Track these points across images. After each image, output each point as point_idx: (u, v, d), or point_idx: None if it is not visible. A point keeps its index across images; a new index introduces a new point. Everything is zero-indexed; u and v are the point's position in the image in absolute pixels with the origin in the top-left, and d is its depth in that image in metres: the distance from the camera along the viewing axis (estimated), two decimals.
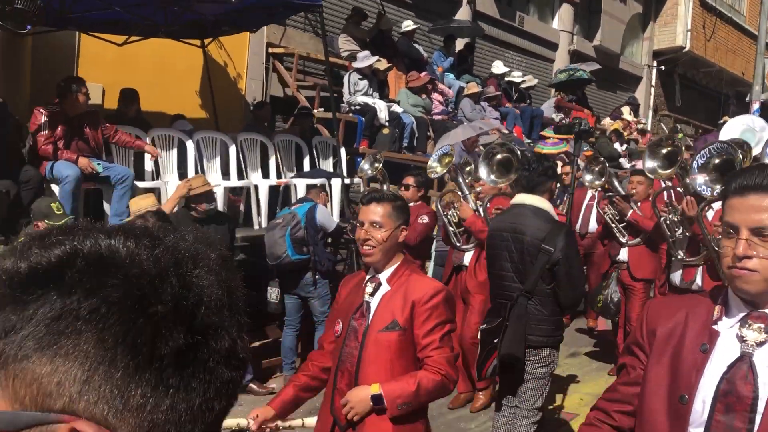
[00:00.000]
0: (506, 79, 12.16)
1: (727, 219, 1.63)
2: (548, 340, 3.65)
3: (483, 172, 5.26)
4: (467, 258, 5.54)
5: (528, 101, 12.40)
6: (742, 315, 1.63)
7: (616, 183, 6.44)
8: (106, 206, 5.78)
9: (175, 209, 5.27)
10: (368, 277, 2.75)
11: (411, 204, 5.31)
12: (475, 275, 5.34)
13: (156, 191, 6.03)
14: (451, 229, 5.55)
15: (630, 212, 5.95)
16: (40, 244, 0.61)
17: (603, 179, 6.43)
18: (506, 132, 10.32)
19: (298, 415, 2.88)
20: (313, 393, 2.86)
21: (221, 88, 8.56)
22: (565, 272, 3.47)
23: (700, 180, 4.06)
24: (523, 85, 12.20)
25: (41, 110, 5.41)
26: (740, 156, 4.00)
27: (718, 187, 3.85)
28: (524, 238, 3.50)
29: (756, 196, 1.57)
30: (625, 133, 13.80)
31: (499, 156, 5.17)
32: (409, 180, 6.16)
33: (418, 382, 2.51)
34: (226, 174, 6.89)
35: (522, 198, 3.65)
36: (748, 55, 20.77)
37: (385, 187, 6.07)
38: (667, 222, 4.99)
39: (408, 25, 10.62)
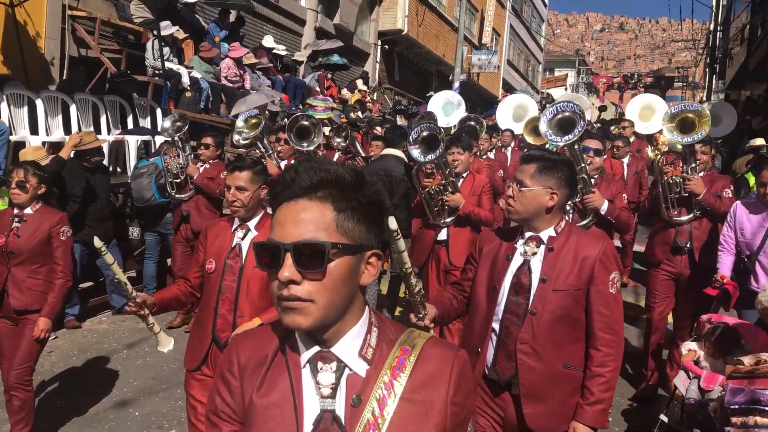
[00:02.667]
0: (273, 51, 13.77)
1: (516, 176, 2.77)
2: None
3: (290, 137, 6.33)
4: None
5: (294, 73, 14.17)
6: (528, 236, 2.70)
7: (357, 146, 7.88)
8: None
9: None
10: (236, 225, 3.28)
11: (210, 162, 6.42)
12: None
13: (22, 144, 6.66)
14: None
15: None
16: (329, 164, 1.29)
17: (347, 142, 8.17)
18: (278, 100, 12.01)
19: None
20: (184, 305, 3.49)
21: (25, 48, 8.87)
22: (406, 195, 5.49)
23: (415, 152, 4.94)
24: (291, 59, 13.93)
25: None
26: (443, 132, 4.95)
27: (429, 156, 4.84)
28: (392, 174, 5.47)
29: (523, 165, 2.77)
30: (367, 102, 16.38)
31: (305, 122, 6.40)
32: (208, 140, 6.61)
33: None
34: (68, 130, 7.59)
35: (388, 150, 5.62)
36: (447, 40, 25.02)
37: (186, 147, 6.73)
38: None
39: None
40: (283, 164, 6.27)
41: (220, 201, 6.67)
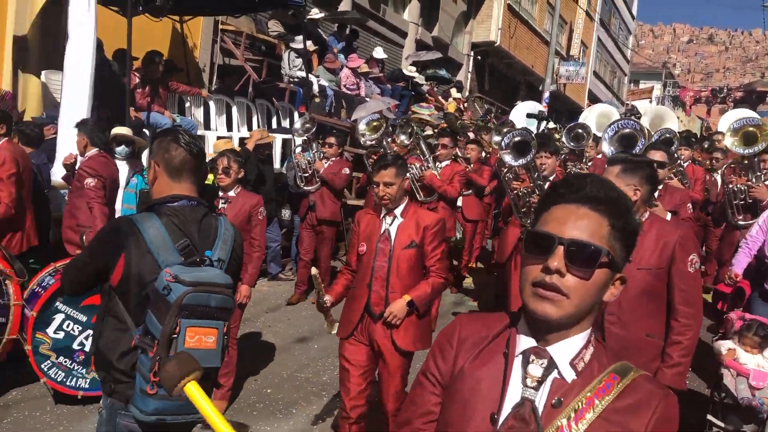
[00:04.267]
0: (375, 58, 15.11)
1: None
2: None
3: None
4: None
5: (406, 82, 15.48)
6: None
7: (423, 146, 7.56)
8: None
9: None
10: (384, 212, 3.78)
11: (333, 159, 7.46)
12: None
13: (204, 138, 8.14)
14: (416, 184, 7.07)
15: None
16: (613, 185, 1.43)
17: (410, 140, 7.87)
18: (394, 106, 13.30)
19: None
20: (348, 293, 3.91)
21: (187, 57, 10.47)
22: None
23: (507, 157, 5.13)
24: (399, 70, 15.25)
25: (136, 74, 7.31)
26: (534, 138, 5.15)
27: (521, 160, 5.04)
28: None
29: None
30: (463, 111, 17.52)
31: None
32: (331, 139, 7.68)
33: (431, 285, 3.72)
34: (229, 128, 9.08)
35: None
36: (537, 51, 25.87)
37: (314, 145, 7.70)
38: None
39: (315, 12, 13.05)
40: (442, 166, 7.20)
41: (342, 192, 7.67)
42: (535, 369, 1.36)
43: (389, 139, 7.84)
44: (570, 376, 1.36)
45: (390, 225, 3.74)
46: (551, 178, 5.36)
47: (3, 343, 4.16)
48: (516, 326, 1.44)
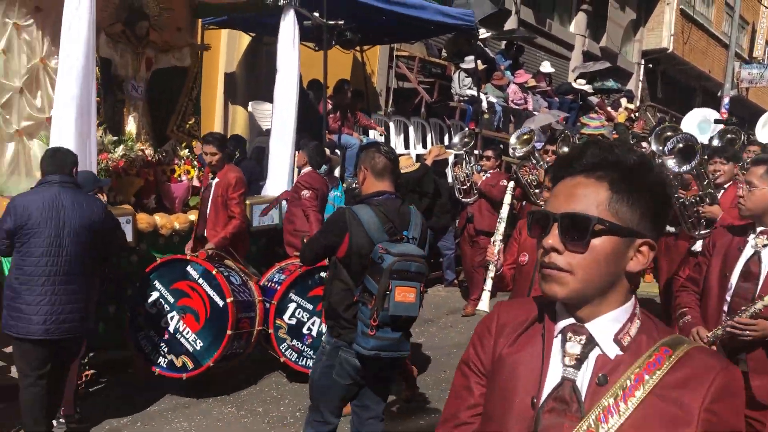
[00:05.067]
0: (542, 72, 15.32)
1: (746, 179, 3.09)
2: None
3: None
4: None
5: (575, 95, 15.58)
6: (759, 230, 2.97)
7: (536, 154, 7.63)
8: None
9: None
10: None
11: (491, 171, 7.61)
12: None
13: None
14: (530, 190, 7.16)
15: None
16: (614, 147, 1.30)
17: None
18: (562, 118, 13.47)
19: None
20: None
21: (367, 83, 11.41)
22: None
23: (670, 162, 4.85)
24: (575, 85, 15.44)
25: (329, 101, 8.22)
26: (699, 143, 4.87)
27: (685, 166, 4.72)
28: None
29: (754, 166, 3.08)
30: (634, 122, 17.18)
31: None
32: (489, 152, 7.88)
33: None
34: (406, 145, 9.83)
35: None
36: (714, 55, 24.54)
37: (471, 158, 8.07)
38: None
39: (483, 32, 13.57)
40: None
41: (500, 204, 7.75)
42: (573, 347, 1.30)
43: (541, 151, 7.83)
44: (614, 351, 1.28)
45: None
46: (726, 186, 5.11)
47: (255, 333, 5.05)
48: (555, 306, 1.37)
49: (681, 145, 4.91)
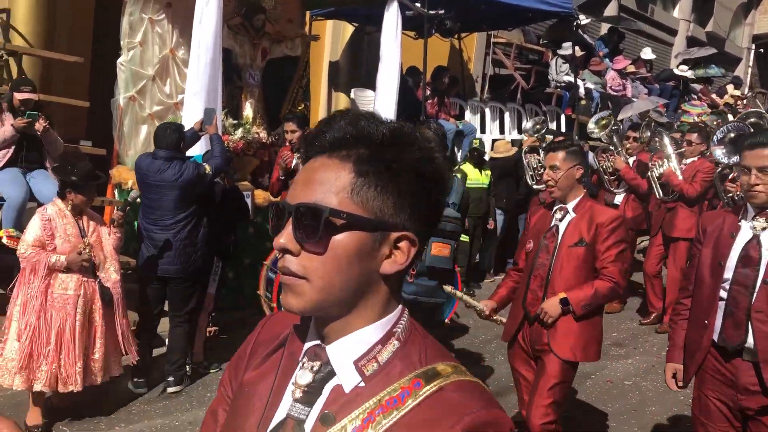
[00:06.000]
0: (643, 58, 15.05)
1: (742, 163, 2.82)
2: None
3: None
4: (618, 199, 7.02)
5: (676, 81, 15.25)
6: (753, 214, 2.81)
7: (666, 140, 6.95)
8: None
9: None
10: (556, 207, 3.48)
11: None
12: (623, 213, 6.46)
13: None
14: (605, 176, 7.06)
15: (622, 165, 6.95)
16: (366, 117, 1.02)
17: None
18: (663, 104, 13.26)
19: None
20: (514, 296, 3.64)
21: (464, 70, 11.69)
22: None
23: (719, 152, 4.70)
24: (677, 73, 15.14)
25: (427, 87, 8.59)
26: (751, 131, 4.50)
27: (735, 158, 4.36)
28: None
29: (760, 149, 2.72)
30: (738, 107, 16.57)
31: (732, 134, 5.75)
32: (560, 138, 7.33)
33: (595, 288, 3.32)
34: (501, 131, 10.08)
35: None
36: None
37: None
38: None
39: (582, 18, 13.51)
40: (631, 160, 7.07)
41: None
42: (304, 375, 1.04)
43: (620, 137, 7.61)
44: (352, 382, 1.01)
45: (560, 221, 3.46)
46: None
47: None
48: (311, 320, 1.09)
49: (732, 134, 4.65)
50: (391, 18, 7.17)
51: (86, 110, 7.01)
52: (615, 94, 12.92)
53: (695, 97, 15.05)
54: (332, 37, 10.13)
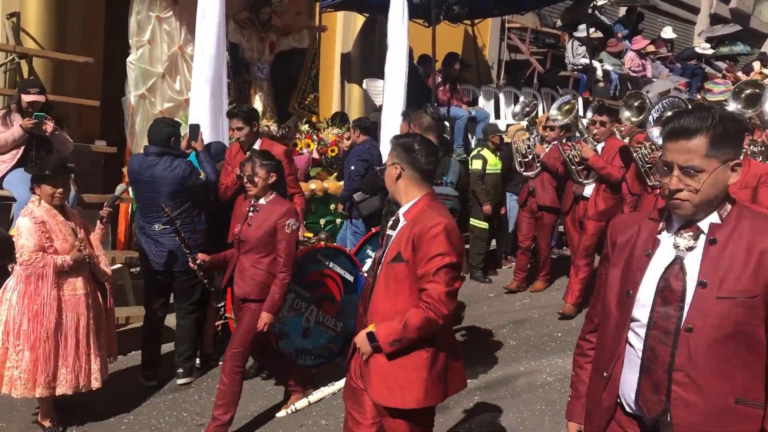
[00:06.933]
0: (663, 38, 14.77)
1: (663, 158, 1.96)
2: None
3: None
4: (587, 190, 6.26)
5: (700, 61, 14.95)
6: (677, 226, 1.98)
7: (580, 125, 6.55)
8: None
9: None
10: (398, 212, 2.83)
11: (554, 143, 6.59)
12: (595, 205, 6.16)
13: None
14: (572, 167, 6.27)
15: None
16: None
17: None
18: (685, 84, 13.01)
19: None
20: None
21: (479, 56, 11.59)
22: None
23: (656, 132, 4.17)
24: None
25: (438, 74, 8.53)
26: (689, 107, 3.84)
27: None
28: None
29: (684, 139, 1.88)
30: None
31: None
32: (551, 123, 6.84)
33: (405, 320, 2.60)
34: None
35: None
36: None
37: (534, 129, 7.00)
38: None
39: (599, 0, 13.32)
40: (599, 147, 6.20)
41: (565, 178, 6.59)
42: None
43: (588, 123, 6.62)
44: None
45: (391, 228, 2.84)
46: None
47: None
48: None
49: (669, 114, 3.88)
50: (397, 4, 7.14)
51: (98, 109, 7.10)
52: (634, 74, 12.71)
53: (719, 75, 14.72)
54: (343, 29, 10.12)
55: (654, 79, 12.71)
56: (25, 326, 3.88)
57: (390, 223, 2.84)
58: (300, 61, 7.69)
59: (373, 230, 5.45)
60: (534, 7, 11.24)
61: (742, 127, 2.06)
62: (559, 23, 12.62)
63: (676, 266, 1.94)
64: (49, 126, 5.19)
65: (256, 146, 4.91)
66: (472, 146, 8.74)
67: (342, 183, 6.72)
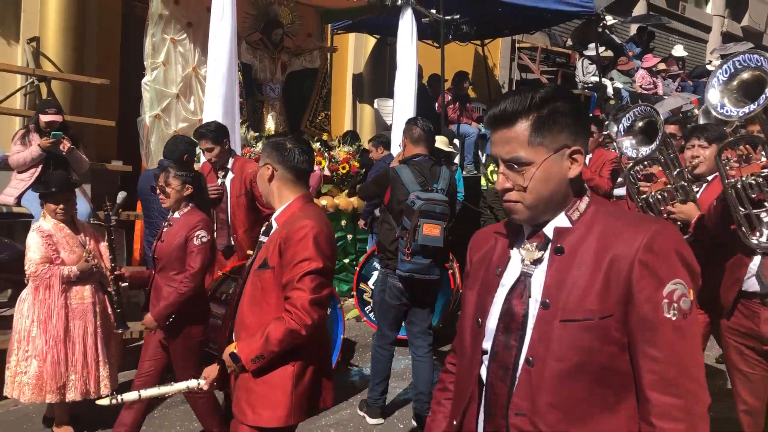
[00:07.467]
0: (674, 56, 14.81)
1: (491, 151, 1.58)
2: None
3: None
4: None
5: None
6: (525, 235, 1.57)
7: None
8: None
9: None
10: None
11: None
12: None
13: None
14: None
15: None
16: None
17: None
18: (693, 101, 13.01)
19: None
20: None
21: (489, 77, 11.70)
22: None
23: (626, 143, 3.38)
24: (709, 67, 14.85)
25: (448, 93, 8.64)
26: (661, 118, 3.44)
27: (643, 150, 3.41)
28: None
29: (504, 128, 1.49)
30: None
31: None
32: None
33: (267, 334, 2.42)
34: None
35: None
36: None
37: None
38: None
39: (610, 19, 13.41)
40: (587, 158, 5.77)
41: None
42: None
43: None
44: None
45: (264, 234, 2.68)
46: (710, 178, 3.66)
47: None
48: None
49: (641, 124, 3.47)
50: (406, 25, 7.28)
51: (115, 130, 7.26)
52: (645, 92, 12.74)
53: None
54: (355, 50, 10.29)
55: (665, 97, 12.73)
56: (34, 333, 4.03)
57: (263, 228, 2.67)
58: (312, 80, 7.83)
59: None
60: (541, 26, 11.34)
61: (581, 106, 1.65)
62: (569, 42, 12.72)
63: (521, 285, 1.54)
64: (66, 145, 5.34)
65: (229, 165, 4.99)
66: (482, 162, 8.82)
67: (353, 199, 6.81)
